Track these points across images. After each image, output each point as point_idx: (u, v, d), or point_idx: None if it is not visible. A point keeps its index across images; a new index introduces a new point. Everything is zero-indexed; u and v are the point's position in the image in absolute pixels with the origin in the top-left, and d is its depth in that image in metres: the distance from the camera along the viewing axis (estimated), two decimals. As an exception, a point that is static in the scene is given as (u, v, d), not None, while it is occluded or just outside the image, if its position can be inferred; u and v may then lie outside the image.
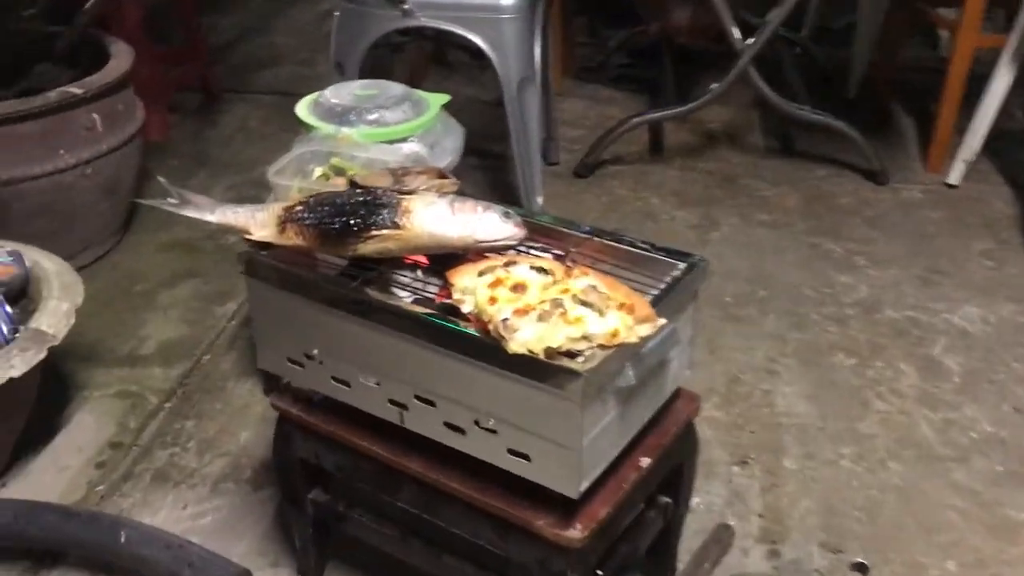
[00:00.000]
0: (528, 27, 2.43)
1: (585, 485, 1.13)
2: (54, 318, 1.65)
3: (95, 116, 2.27)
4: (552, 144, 3.04)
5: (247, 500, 1.73)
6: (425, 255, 1.30)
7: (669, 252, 1.29)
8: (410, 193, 1.26)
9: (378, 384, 1.24)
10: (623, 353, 1.10)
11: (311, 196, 1.28)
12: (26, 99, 2.14)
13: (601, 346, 1.08)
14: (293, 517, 1.49)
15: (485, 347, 1.10)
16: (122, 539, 1.46)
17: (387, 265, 1.28)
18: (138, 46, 2.98)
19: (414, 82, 3.66)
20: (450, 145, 2.03)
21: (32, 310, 1.72)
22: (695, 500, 1.66)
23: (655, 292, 1.21)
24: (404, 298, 1.24)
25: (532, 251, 1.32)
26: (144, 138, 2.58)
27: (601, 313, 1.09)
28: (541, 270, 1.16)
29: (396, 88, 2.07)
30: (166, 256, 2.50)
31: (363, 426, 1.29)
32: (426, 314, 1.16)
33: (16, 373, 1.54)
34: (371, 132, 1.93)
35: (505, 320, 1.08)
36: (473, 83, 3.57)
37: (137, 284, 2.40)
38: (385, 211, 1.22)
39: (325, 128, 1.94)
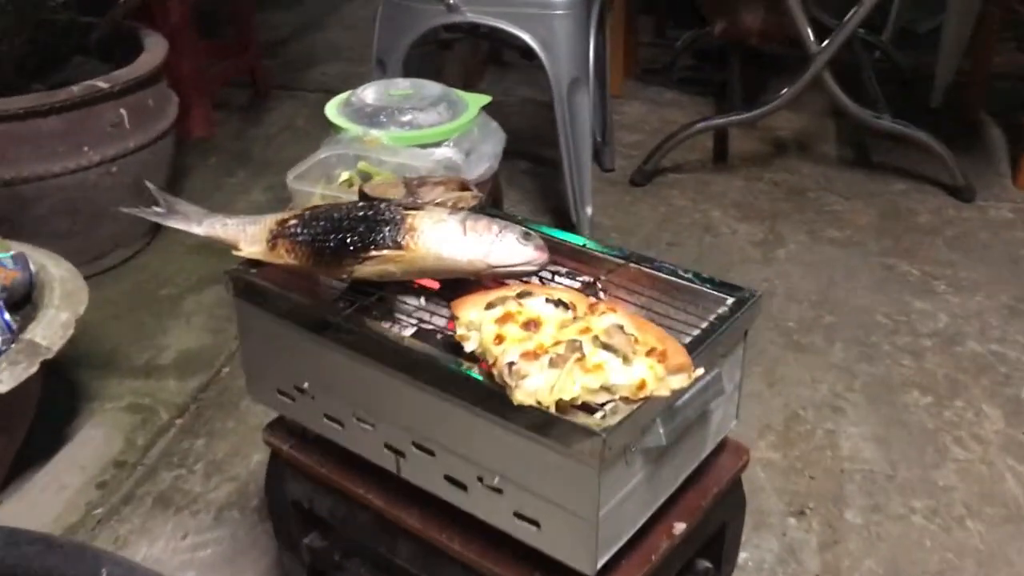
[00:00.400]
0: (582, 24, 2.26)
1: (603, 560, 0.96)
2: (50, 329, 1.54)
3: (122, 112, 2.17)
4: (607, 150, 2.86)
5: (251, 532, 1.59)
6: (436, 280, 1.14)
7: (716, 284, 1.11)
8: (417, 208, 1.10)
9: (372, 426, 1.08)
10: (652, 408, 0.93)
11: (308, 209, 1.14)
12: (49, 93, 2.04)
13: (625, 399, 0.91)
14: (287, 563, 1.34)
15: (489, 394, 0.94)
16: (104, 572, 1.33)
17: (391, 290, 1.13)
18: (183, 40, 2.90)
19: (468, 83, 3.53)
20: (488, 150, 1.87)
21: (34, 318, 1.60)
22: (742, 555, 1.48)
23: (696, 332, 1.03)
24: (405, 329, 1.09)
25: (557, 278, 1.16)
26: (179, 135, 2.47)
27: (626, 360, 0.91)
28: (560, 303, 0.99)
29: (433, 88, 1.92)
30: (196, 259, 2.39)
31: (359, 470, 1.14)
32: (423, 351, 1.00)
33: (3, 389, 1.42)
34: (402, 135, 1.78)
35: (511, 364, 0.91)
36: (530, 84, 3.41)
37: (163, 288, 2.30)
38: (387, 228, 1.06)
39: (353, 129, 1.80)
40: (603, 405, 0.91)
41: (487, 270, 1.07)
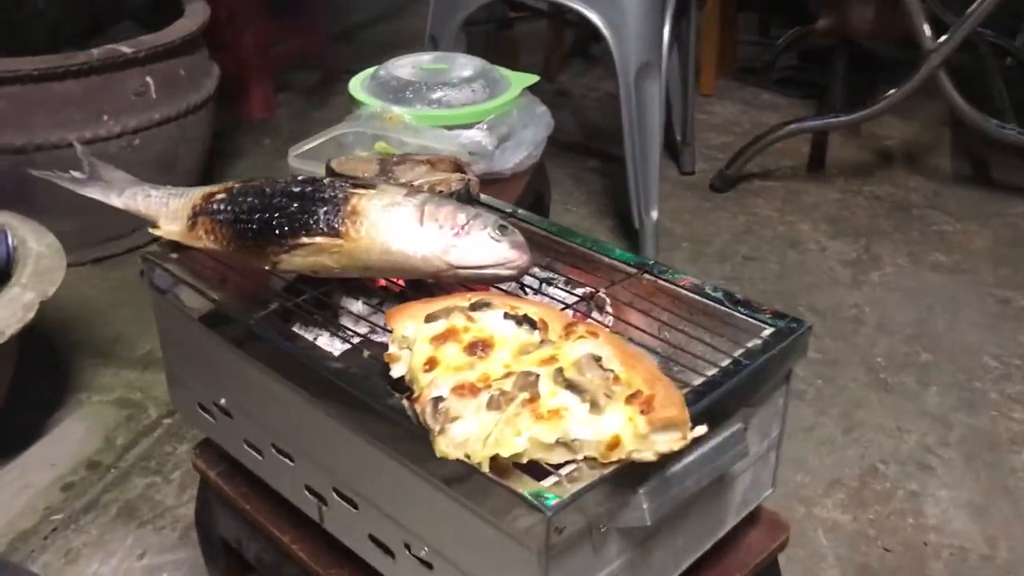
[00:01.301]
0: (656, 4, 1.99)
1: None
2: (7, 310, 1.36)
3: (148, 80, 2.00)
4: (688, 150, 2.58)
5: (216, 559, 1.38)
6: (394, 279, 0.90)
7: (752, 308, 0.84)
8: (368, 187, 0.86)
9: (292, 462, 0.85)
10: (630, 475, 0.67)
11: (241, 182, 0.91)
12: (66, 55, 1.88)
13: (592, 461, 0.66)
14: (221, 609, 1.12)
15: (412, 439, 0.69)
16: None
17: (342, 289, 0.90)
18: (246, 14, 2.74)
19: (547, 73, 3.30)
20: (529, 137, 1.62)
21: (-4, 297, 1.43)
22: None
23: (713, 372, 0.76)
24: (340, 342, 0.85)
25: (548, 288, 0.91)
26: (237, 115, 2.30)
27: (595, 406, 0.66)
28: (525, 321, 0.74)
29: (472, 63, 1.69)
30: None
31: (287, 512, 0.91)
32: (340, 374, 0.76)
33: (-59, 374, 1.24)
34: (427, 113, 1.55)
35: (438, 400, 0.67)
36: (615, 77, 3.14)
37: (184, 274, 2.12)
38: (323, 210, 0.83)
39: (373, 105, 1.57)
40: (559, 467, 0.66)
41: (448, 271, 0.83)
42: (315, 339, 0.86)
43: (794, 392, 1.73)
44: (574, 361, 0.69)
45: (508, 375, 0.68)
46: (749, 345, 0.79)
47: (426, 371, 0.70)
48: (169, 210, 0.92)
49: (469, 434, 0.65)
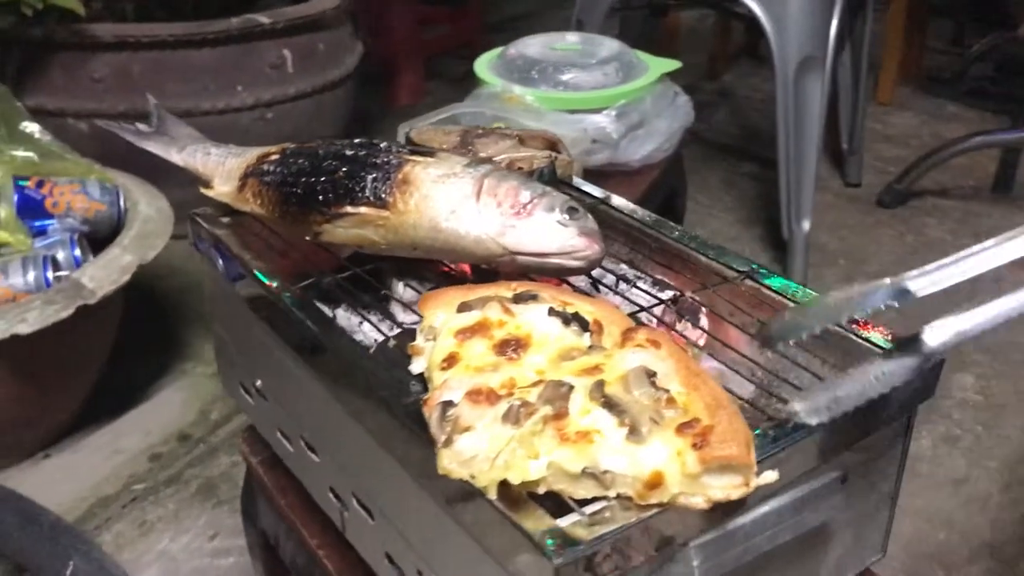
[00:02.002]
0: (824, -7, 1.80)
1: None
2: (104, 271, 1.33)
3: (285, 53, 1.97)
4: (854, 159, 2.36)
5: (286, 548, 1.31)
6: (457, 264, 0.79)
7: (873, 334, 0.68)
8: (427, 155, 0.75)
9: (318, 458, 0.75)
10: (681, 523, 0.53)
11: (300, 143, 0.82)
12: (203, 23, 1.87)
13: (625, 499, 0.52)
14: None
15: (419, 449, 0.58)
16: (68, 570, 1.10)
17: (396, 267, 0.79)
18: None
19: (712, 72, 3.12)
20: (663, 127, 1.48)
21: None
22: None
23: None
24: (378, 326, 0.74)
25: (625, 286, 0.77)
26: (384, 100, 2.26)
27: (635, 432, 0.52)
28: (574, 320, 0.61)
29: (608, 45, 1.56)
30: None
31: (319, 513, 0.81)
32: (362, 365, 0.65)
33: (24, 330, 1.23)
34: (550, 95, 1.44)
35: (447, 406, 0.55)
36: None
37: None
38: (372, 176, 0.73)
39: (494, 84, 1.47)
40: (585, 504, 0.53)
41: (504, 257, 0.71)
42: (359, 324, 0.76)
43: (946, 438, 1.53)
44: (621, 374, 0.56)
45: (539, 383, 0.56)
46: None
47: (443, 369, 0.59)
48: (225, 169, 0.84)
49: (478, 450, 0.53)
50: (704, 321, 0.77)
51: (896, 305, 0.58)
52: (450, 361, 0.59)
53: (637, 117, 1.46)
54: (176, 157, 0.89)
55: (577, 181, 0.91)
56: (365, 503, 0.69)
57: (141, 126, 0.94)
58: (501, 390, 0.56)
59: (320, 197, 0.74)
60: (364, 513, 0.70)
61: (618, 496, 0.52)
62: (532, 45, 1.56)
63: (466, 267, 0.80)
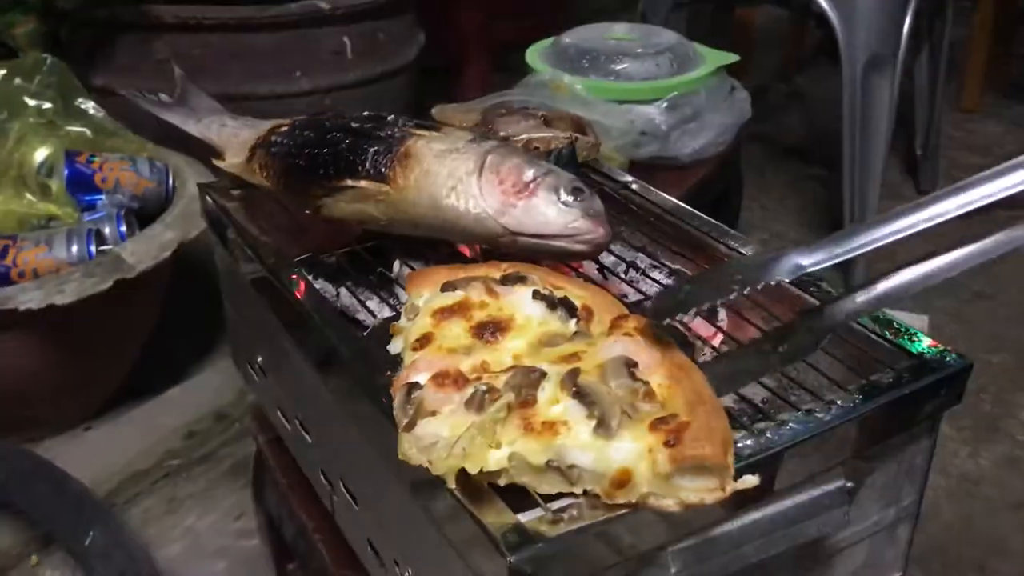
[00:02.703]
0: (898, -12, 1.72)
1: None
2: (145, 247, 1.34)
3: (345, 40, 1.96)
4: (929, 166, 2.26)
5: (310, 533, 1.29)
6: (455, 242, 0.76)
7: (900, 332, 0.63)
8: (432, 130, 0.72)
9: (310, 439, 0.73)
10: (660, 526, 0.49)
11: (314, 113, 0.80)
12: (263, 7, 1.87)
13: (592, 497, 0.49)
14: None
15: (386, 433, 0.55)
16: (87, 540, 1.10)
17: (402, 245, 0.77)
18: (470, -14, 2.69)
19: (787, 71, 3.03)
20: (717, 122, 1.43)
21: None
22: None
23: (809, 408, 0.57)
24: (379, 306, 0.72)
25: (635, 274, 0.73)
26: (417, 81, 2.24)
27: (604, 425, 0.49)
28: (561, 305, 0.58)
29: (665, 35, 1.52)
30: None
31: (317, 496, 0.79)
32: (342, 343, 0.63)
33: (62, 300, 1.24)
34: (599, 84, 1.40)
35: (412, 388, 0.52)
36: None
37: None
38: (374, 150, 0.70)
39: (543, 71, 1.44)
40: (552, 499, 0.49)
41: (504, 237, 0.67)
42: (351, 302, 0.73)
43: (1008, 459, 1.44)
44: (600, 363, 0.52)
45: (508, 369, 0.52)
46: (873, 378, 0.58)
47: (414, 349, 0.56)
48: (238, 141, 0.83)
49: (436, 436, 0.50)
50: (722, 317, 0.72)
51: (788, 280, 0.58)
52: (423, 341, 0.56)
53: (690, 110, 1.41)
54: (193, 128, 0.88)
55: (613, 171, 0.87)
56: (350, 488, 0.67)
57: (163, 96, 0.93)
58: (472, 374, 0.52)
59: (321, 170, 0.72)
60: (349, 498, 0.67)
61: (586, 493, 0.49)
62: (586, 34, 1.52)
63: (468, 250, 0.77)
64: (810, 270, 0.58)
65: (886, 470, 0.61)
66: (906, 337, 0.62)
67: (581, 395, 0.49)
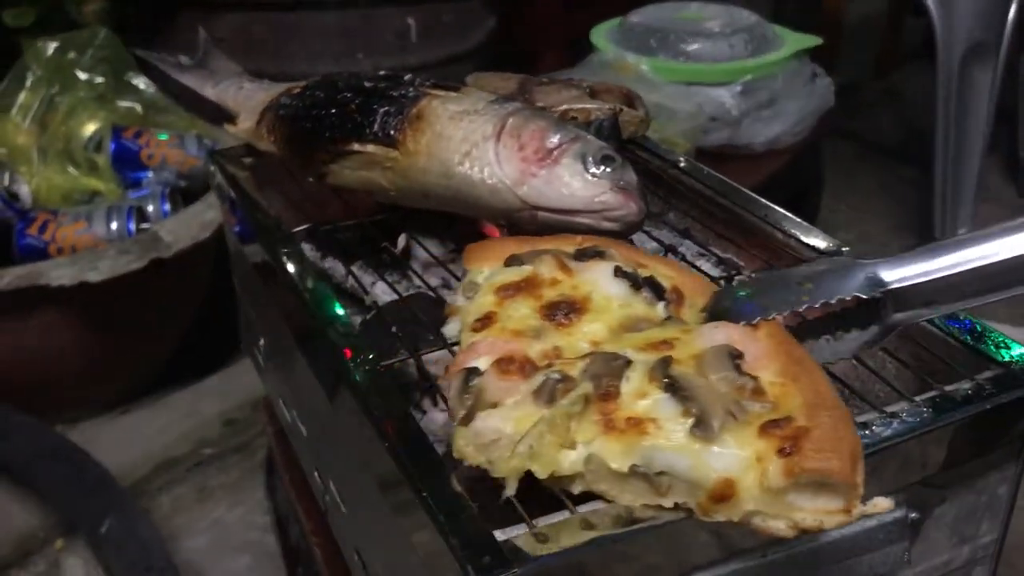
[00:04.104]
0: (1003, -29, 1.58)
1: None
2: (184, 226, 1.29)
3: (410, 22, 1.90)
4: (1033, 170, 2.09)
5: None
6: (470, 217, 0.68)
7: (981, 339, 0.53)
8: (450, 90, 0.64)
9: (306, 431, 0.66)
10: (662, 552, 0.40)
11: (331, 75, 0.73)
12: (327, -14, 1.82)
13: (683, 510, 0.40)
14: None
15: (363, 428, 0.47)
16: (103, 527, 1.05)
17: (416, 219, 0.69)
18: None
19: (882, 68, 2.87)
20: (794, 109, 1.33)
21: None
22: None
23: (866, 420, 0.47)
24: (384, 287, 0.64)
25: (672, 258, 0.64)
26: (487, 67, 2.16)
27: (705, 425, 0.40)
28: (647, 285, 0.49)
29: (741, 16, 1.41)
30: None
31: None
32: (320, 321, 0.55)
33: (94, 278, 1.20)
34: (667, 65, 1.31)
35: (471, 374, 0.44)
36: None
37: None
38: (384, 110, 0.63)
39: (608, 51, 1.35)
40: (647, 507, 0.41)
41: (523, 211, 0.59)
42: (372, 284, 0.66)
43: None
44: (697, 352, 0.44)
45: (586, 356, 0.45)
46: (948, 388, 0.48)
47: (474, 331, 0.48)
48: (251, 104, 0.76)
49: (501, 432, 0.42)
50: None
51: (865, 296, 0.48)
52: (485, 322, 0.48)
53: (765, 95, 1.31)
54: (210, 91, 0.82)
55: (661, 149, 0.77)
56: (338, 488, 0.59)
57: (183, 59, 0.87)
58: (541, 361, 0.45)
59: (327, 133, 0.64)
60: (338, 499, 0.60)
61: (676, 507, 0.40)
62: (656, 13, 1.43)
63: (496, 230, 0.68)
64: (891, 287, 0.48)
65: (961, 501, 0.50)
66: (991, 343, 0.51)
67: (675, 388, 0.41)
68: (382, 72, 0.68)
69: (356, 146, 0.63)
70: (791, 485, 0.39)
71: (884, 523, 0.46)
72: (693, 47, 1.33)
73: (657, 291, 0.50)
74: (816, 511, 0.39)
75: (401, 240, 0.64)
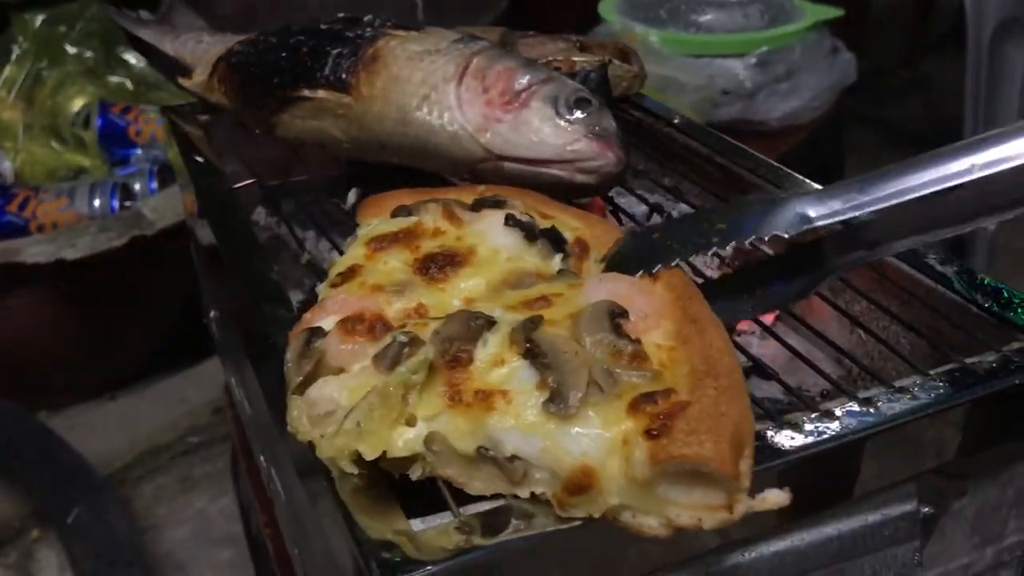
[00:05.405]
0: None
1: None
2: (166, 203, 1.23)
3: (416, 0, 1.83)
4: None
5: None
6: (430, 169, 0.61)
7: (1007, 306, 0.45)
8: (410, 31, 0.58)
9: (250, 411, 0.59)
10: (610, 547, 0.33)
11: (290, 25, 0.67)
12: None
13: (545, 505, 0.33)
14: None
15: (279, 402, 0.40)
16: (71, 517, 1.00)
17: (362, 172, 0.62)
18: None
19: (911, 55, 2.77)
20: (813, 83, 1.25)
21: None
22: None
23: (870, 396, 0.40)
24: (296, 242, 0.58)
25: (658, 219, 0.57)
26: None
27: (561, 399, 0.33)
28: (544, 237, 0.42)
29: (757, -14, 1.33)
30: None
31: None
32: (250, 279, 0.49)
33: (72, 255, 1.15)
34: (675, 37, 1.23)
35: (314, 335, 0.37)
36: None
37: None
38: (336, 52, 0.56)
39: (614, 22, 1.28)
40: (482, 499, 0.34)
41: (487, 161, 0.52)
42: (299, 238, 0.59)
43: None
44: (575, 310, 0.37)
45: (448, 316, 0.38)
46: (969, 361, 0.41)
47: (333, 286, 0.41)
48: (208, 57, 0.70)
49: (336, 403, 0.35)
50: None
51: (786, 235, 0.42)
52: (346, 276, 0.41)
53: (782, 68, 1.23)
54: (169, 46, 0.75)
55: (656, 105, 0.70)
56: (279, 475, 0.53)
57: (143, 13, 0.81)
58: (400, 321, 0.38)
59: (276, 79, 0.58)
60: (279, 487, 0.53)
61: (533, 497, 0.33)
62: (667, -17, 1.35)
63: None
64: (819, 224, 0.42)
65: (983, 494, 0.43)
66: (1020, 309, 0.44)
67: (534, 354, 0.34)
68: (341, 15, 0.61)
69: (306, 92, 0.56)
70: (658, 475, 0.32)
71: (890, 518, 0.38)
72: (705, 17, 1.26)
73: (555, 243, 0.43)
74: (693, 506, 0.32)
75: (351, 196, 0.57)
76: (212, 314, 0.67)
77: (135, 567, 0.96)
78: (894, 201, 0.41)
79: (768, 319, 0.54)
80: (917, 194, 0.40)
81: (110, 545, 0.97)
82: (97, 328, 1.31)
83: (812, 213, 0.41)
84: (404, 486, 0.36)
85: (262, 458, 0.58)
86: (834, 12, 1.30)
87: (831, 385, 0.43)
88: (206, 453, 1.31)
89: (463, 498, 0.35)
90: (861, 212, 0.41)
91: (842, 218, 0.41)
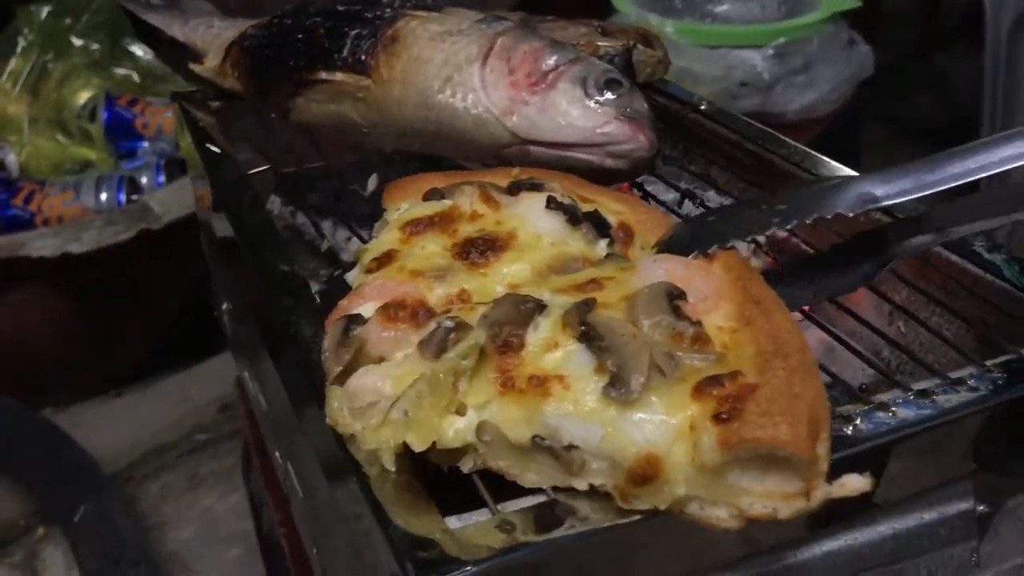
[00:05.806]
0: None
1: None
2: (174, 196, 1.22)
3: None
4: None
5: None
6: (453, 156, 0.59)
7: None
8: (431, 11, 0.56)
9: (264, 406, 0.58)
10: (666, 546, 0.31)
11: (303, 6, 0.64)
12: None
13: (604, 497, 0.31)
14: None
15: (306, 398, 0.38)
16: (77, 515, 0.98)
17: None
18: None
19: (923, 49, 2.74)
20: (830, 75, 1.23)
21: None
22: None
23: (922, 388, 0.38)
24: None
25: (690, 205, 0.55)
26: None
27: (622, 383, 0.31)
28: (587, 221, 0.41)
29: (773, -24, 1.31)
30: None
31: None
32: (273, 270, 0.46)
33: (77, 249, 1.13)
34: (692, 27, 1.21)
35: (353, 323, 0.35)
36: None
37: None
38: (355, 33, 0.54)
39: (629, 12, 1.25)
40: (522, 494, 0.32)
41: (513, 146, 0.50)
42: (317, 226, 0.57)
43: None
44: (630, 293, 0.35)
45: (492, 302, 0.36)
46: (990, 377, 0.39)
47: (368, 272, 0.39)
48: (219, 42, 0.68)
49: (379, 393, 0.33)
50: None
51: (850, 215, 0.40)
52: (382, 261, 0.39)
53: (800, 60, 1.21)
54: (178, 31, 0.73)
55: (681, 90, 0.68)
56: (296, 471, 0.51)
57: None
58: (443, 307, 0.36)
59: (291, 61, 0.56)
60: (296, 483, 0.51)
61: (592, 489, 0.31)
62: (681, -26, 1.33)
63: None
64: (886, 203, 0.40)
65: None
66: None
67: (590, 337, 0.32)
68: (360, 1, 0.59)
69: (323, 74, 0.54)
70: (730, 461, 0.30)
71: (947, 517, 0.36)
72: (722, 8, 1.24)
73: (600, 228, 0.41)
74: (767, 494, 0.30)
75: (372, 181, 0.55)
76: (225, 306, 0.65)
77: (141, 566, 0.94)
78: (963, 180, 0.39)
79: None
80: (987, 173, 0.38)
81: (116, 544, 0.95)
82: (100, 325, 1.29)
83: (879, 192, 0.39)
84: (433, 483, 0.34)
85: (278, 454, 0.56)
86: (851, 3, 1.28)
87: (879, 375, 0.41)
88: (213, 451, 1.29)
89: (496, 496, 0.33)
90: (931, 191, 0.39)
91: (911, 197, 0.39)
